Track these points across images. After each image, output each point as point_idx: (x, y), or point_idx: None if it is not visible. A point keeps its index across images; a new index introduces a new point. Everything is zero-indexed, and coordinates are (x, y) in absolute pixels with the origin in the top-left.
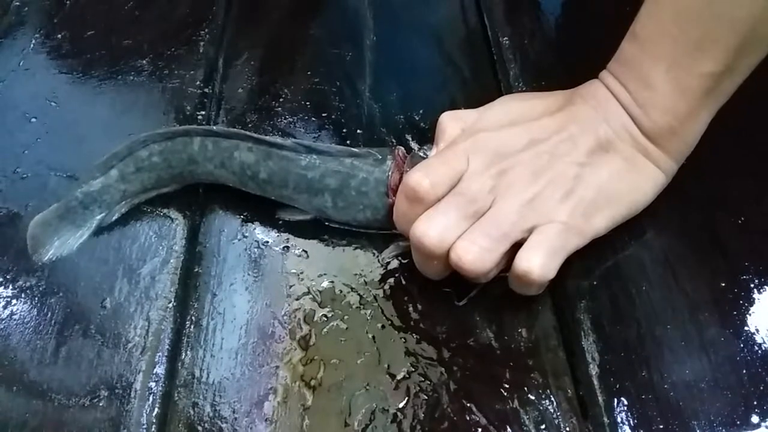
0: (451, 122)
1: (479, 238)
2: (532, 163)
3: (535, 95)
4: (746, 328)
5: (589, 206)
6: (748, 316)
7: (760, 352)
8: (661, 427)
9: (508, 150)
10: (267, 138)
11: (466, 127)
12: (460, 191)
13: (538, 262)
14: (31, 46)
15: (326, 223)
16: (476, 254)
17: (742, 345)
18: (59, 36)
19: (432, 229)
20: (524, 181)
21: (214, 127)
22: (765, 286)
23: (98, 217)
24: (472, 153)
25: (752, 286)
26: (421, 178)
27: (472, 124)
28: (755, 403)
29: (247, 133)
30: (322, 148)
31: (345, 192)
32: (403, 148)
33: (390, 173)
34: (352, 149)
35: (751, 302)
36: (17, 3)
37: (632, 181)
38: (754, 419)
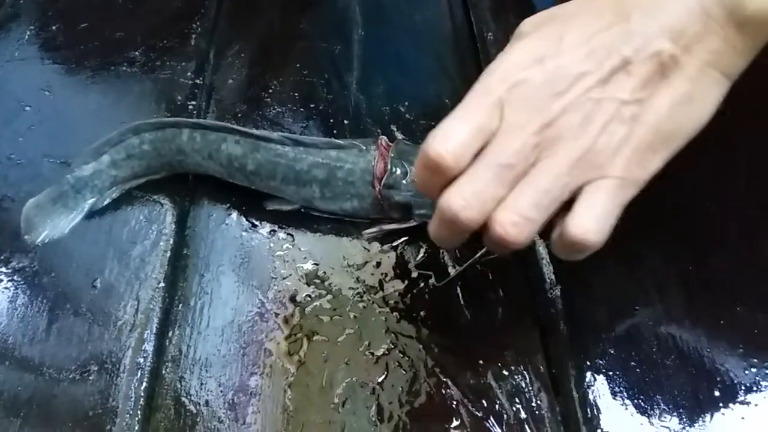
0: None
1: (526, 208)
2: (580, 108)
3: (570, 14)
4: (710, 309)
5: (647, 151)
6: (711, 297)
7: (723, 331)
8: (627, 401)
9: (551, 93)
10: (254, 131)
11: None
12: (497, 153)
13: (594, 228)
14: (26, 37)
15: (312, 213)
16: (523, 226)
17: (705, 325)
18: (53, 28)
19: (471, 202)
20: (573, 132)
21: (203, 120)
22: (728, 270)
23: (89, 201)
24: (507, 104)
25: (717, 269)
26: (443, 150)
27: (503, 65)
28: (718, 379)
29: (235, 126)
30: (308, 140)
31: (332, 182)
32: (385, 137)
33: (375, 162)
34: (337, 141)
35: (716, 285)
36: None
37: (696, 106)
38: (717, 394)
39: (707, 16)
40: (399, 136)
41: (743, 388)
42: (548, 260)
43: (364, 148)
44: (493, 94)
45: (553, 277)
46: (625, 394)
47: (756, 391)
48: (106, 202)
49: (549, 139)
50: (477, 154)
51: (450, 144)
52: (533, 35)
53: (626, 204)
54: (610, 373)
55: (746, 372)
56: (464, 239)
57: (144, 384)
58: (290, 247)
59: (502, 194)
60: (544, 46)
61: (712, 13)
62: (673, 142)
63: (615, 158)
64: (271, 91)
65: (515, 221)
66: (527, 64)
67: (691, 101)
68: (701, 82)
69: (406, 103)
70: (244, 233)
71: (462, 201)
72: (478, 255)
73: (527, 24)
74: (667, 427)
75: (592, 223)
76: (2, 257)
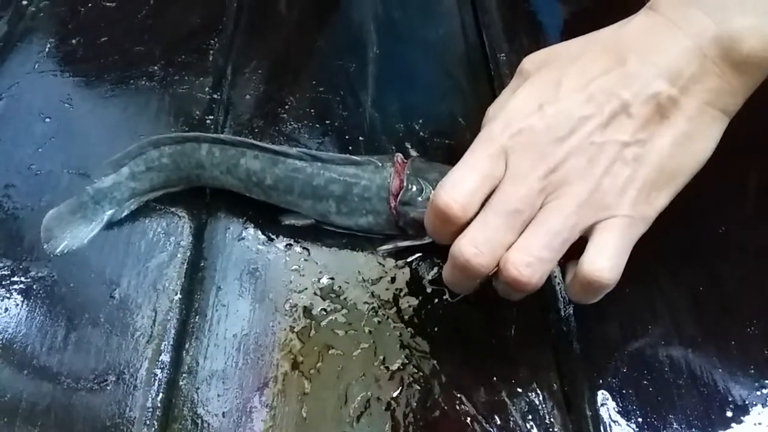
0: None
1: (538, 249)
2: (583, 152)
3: (568, 58)
4: (721, 330)
5: (653, 189)
6: (723, 318)
7: (735, 352)
8: (640, 419)
9: (553, 139)
10: (273, 146)
11: (495, 115)
12: (505, 201)
13: (608, 266)
14: (46, 50)
15: (327, 228)
16: (536, 268)
17: (717, 345)
18: (73, 41)
19: (482, 249)
20: (578, 175)
21: (222, 135)
22: (740, 291)
23: (108, 212)
24: (512, 152)
25: (728, 290)
26: (450, 199)
27: (504, 112)
28: (729, 399)
29: (254, 141)
30: (325, 156)
31: (348, 198)
32: (401, 154)
33: (390, 179)
34: (354, 157)
35: (727, 305)
36: (33, 9)
37: (696, 145)
38: (728, 414)
39: (704, 56)
40: (414, 153)
41: (755, 408)
42: (561, 279)
43: (381, 164)
44: (497, 142)
45: (565, 295)
46: (637, 412)
47: None
48: (124, 214)
49: (554, 184)
50: (485, 202)
51: (458, 193)
52: (534, 78)
53: (637, 239)
54: (623, 391)
55: (758, 392)
56: (477, 284)
57: (161, 395)
58: (306, 261)
59: (511, 239)
60: (544, 91)
61: (709, 53)
62: (677, 179)
63: (622, 198)
64: (287, 107)
65: (529, 262)
66: (528, 110)
67: (691, 140)
68: (700, 121)
69: (420, 121)
70: (260, 246)
71: (473, 248)
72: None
73: (528, 62)
74: None
75: (605, 261)
76: (21, 266)
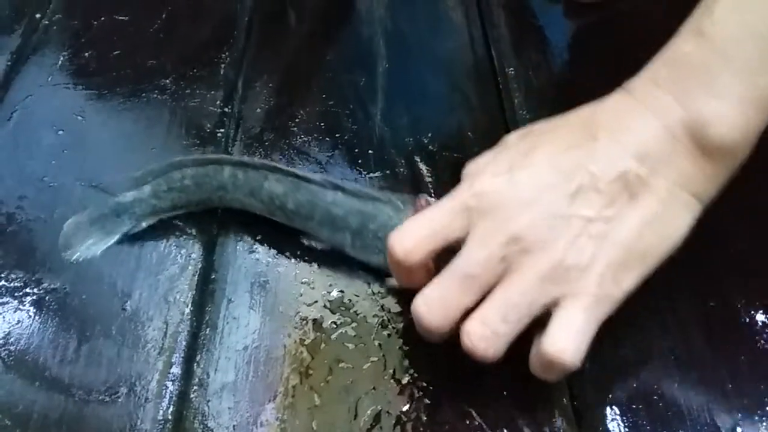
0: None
1: (493, 322)
2: (548, 223)
3: (544, 130)
4: (731, 347)
5: (620, 269)
6: (733, 335)
7: (745, 368)
8: None
9: (518, 203)
10: (296, 171)
11: (471, 172)
12: (462, 262)
13: (570, 347)
14: (59, 63)
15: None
16: (491, 340)
17: (727, 362)
18: (86, 54)
19: (433, 309)
20: (541, 246)
21: (245, 158)
22: (751, 309)
23: (127, 226)
24: (476, 212)
25: (739, 306)
26: (397, 242)
27: (477, 171)
28: (739, 416)
29: (277, 165)
30: (348, 186)
31: (364, 234)
32: (427, 196)
33: None
34: (377, 193)
35: (738, 323)
36: (46, 22)
37: (667, 226)
38: (739, 431)
39: (673, 137)
40: (423, 167)
41: (766, 424)
42: None
43: (402, 206)
44: (461, 198)
45: None
46: (648, 429)
47: None
48: (142, 228)
49: (516, 252)
50: (446, 258)
51: (404, 238)
52: (510, 145)
53: (603, 319)
54: (633, 407)
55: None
56: (444, 337)
57: (172, 407)
58: (316, 274)
59: (467, 303)
60: (516, 157)
61: (677, 135)
62: (646, 261)
63: (587, 274)
64: (297, 120)
65: (484, 335)
66: (498, 172)
67: (661, 222)
68: (671, 204)
69: (429, 135)
70: (270, 259)
71: (424, 306)
72: None
73: (512, 134)
74: None
75: (566, 341)
76: (34, 278)
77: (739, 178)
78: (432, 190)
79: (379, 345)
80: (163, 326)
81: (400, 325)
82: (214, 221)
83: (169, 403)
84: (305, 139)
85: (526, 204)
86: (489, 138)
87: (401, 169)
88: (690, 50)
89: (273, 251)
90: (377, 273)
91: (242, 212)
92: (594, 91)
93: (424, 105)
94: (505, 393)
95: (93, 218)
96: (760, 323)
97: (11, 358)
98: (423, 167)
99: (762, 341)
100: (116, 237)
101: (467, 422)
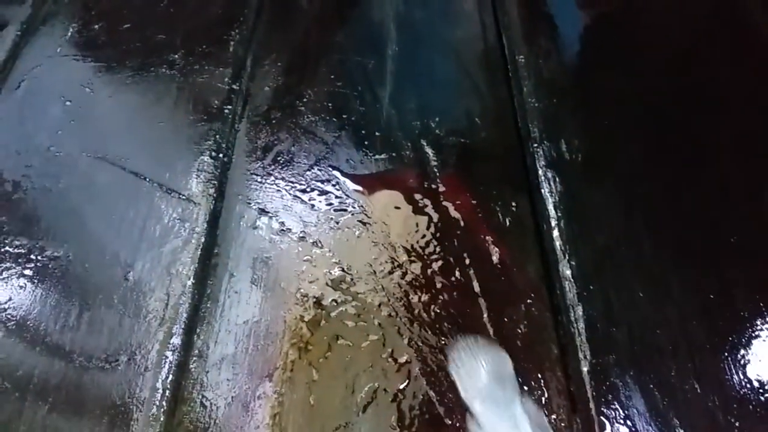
0: None
1: None
2: None
3: None
4: (729, 337)
5: None
6: (732, 326)
7: (743, 359)
8: (645, 423)
9: None
10: None
11: None
12: None
13: None
14: (69, 34)
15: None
16: None
17: (725, 353)
18: (96, 27)
19: None
20: None
21: None
22: (751, 301)
23: None
24: None
25: (739, 299)
26: None
27: None
28: (735, 406)
29: None
30: None
31: None
32: None
33: None
34: None
35: (736, 314)
36: None
37: None
38: (732, 420)
39: None
40: (429, 151)
41: (761, 414)
42: (571, 281)
43: None
44: None
45: (575, 297)
46: (643, 416)
47: None
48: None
49: None
50: None
51: None
52: None
53: None
54: (629, 393)
55: (765, 399)
56: None
57: (171, 377)
58: (319, 252)
59: None
60: None
61: None
62: None
63: None
64: (305, 100)
65: None
66: None
67: None
68: None
69: (437, 119)
70: (273, 236)
71: None
72: None
73: None
74: None
75: None
76: (38, 245)
77: (744, 167)
78: (437, 173)
79: (379, 324)
80: (165, 297)
81: (401, 305)
82: (218, 196)
83: (168, 373)
84: (312, 118)
85: None
86: (497, 125)
87: (407, 152)
88: None
89: (276, 227)
90: (379, 253)
91: (244, 187)
92: (603, 81)
93: (433, 89)
94: None
95: None
96: (759, 317)
97: (13, 323)
98: (429, 151)
99: (761, 333)
100: None
101: (463, 402)
